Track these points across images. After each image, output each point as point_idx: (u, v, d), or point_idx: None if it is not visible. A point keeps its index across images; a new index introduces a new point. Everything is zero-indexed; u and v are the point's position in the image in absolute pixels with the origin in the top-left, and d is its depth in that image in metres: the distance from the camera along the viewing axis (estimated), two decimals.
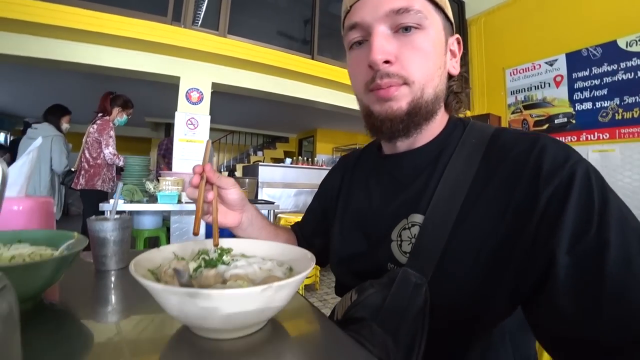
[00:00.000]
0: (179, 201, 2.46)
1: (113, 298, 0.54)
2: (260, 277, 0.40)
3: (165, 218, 3.01)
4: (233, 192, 0.60)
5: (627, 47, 2.33)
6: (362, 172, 0.68)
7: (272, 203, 2.88)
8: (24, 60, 2.74)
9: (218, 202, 0.59)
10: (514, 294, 0.42)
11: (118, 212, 0.67)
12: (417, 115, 0.52)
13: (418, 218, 0.50)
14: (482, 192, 0.47)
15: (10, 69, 3.97)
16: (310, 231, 0.78)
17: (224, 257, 0.46)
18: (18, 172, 0.63)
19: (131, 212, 2.57)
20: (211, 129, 3.39)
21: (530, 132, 0.50)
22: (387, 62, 0.49)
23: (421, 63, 0.50)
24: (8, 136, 7.12)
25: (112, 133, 2.78)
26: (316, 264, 0.77)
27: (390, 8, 0.49)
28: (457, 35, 0.59)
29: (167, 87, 3.42)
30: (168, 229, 2.81)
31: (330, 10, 4.06)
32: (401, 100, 0.51)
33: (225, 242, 0.51)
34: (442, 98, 0.56)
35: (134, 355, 0.35)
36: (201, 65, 3.30)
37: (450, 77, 0.58)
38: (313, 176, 4.06)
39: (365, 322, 0.45)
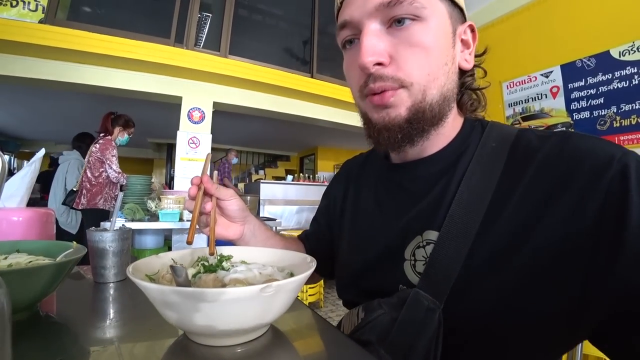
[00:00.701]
0: (181, 219, 2.46)
1: (111, 310, 0.53)
2: (261, 282, 0.40)
3: (167, 237, 2.99)
4: (233, 203, 0.57)
5: (620, 56, 2.37)
6: (369, 182, 0.62)
7: (274, 220, 2.87)
8: (33, 82, 2.83)
9: (218, 214, 0.58)
10: (575, 328, 0.37)
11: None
12: (421, 121, 0.45)
13: (433, 235, 0.45)
14: (507, 203, 0.41)
15: (16, 91, 4.05)
16: (315, 242, 0.74)
17: (224, 264, 0.45)
18: (19, 183, 0.63)
19: (133, 231, 2.56)
20: (212, 149, 3.42)
21: (557, 131, 0.44)
22: (379, 64, 0.43)
23: (420, 61, 0.43)
24: (12, 159, 7.19)
25: (114, 152, 2.80)
26: (323, 275, 0.75)
27: (380, 1, 0.42)
28: (470, 22, 0.50)
29: (170, 108, 3.47)
30: (170, 249, 2.79)
31: (328, 31, 4.15)
32: (399, 106, 0.44)
33: (225, 250, 0.51)
34: (452, 98, 0.48)
35: None
36: (203, 85, 3.36)
37: (463, 72, 0.51)
38: (314, 193, 4.06)
39: (372, 346, 0.41)
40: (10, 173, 6.23)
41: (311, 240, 0.74)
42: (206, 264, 0.44)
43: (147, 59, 2.85)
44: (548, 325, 0.37)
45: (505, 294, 0.39)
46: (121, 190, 2.90)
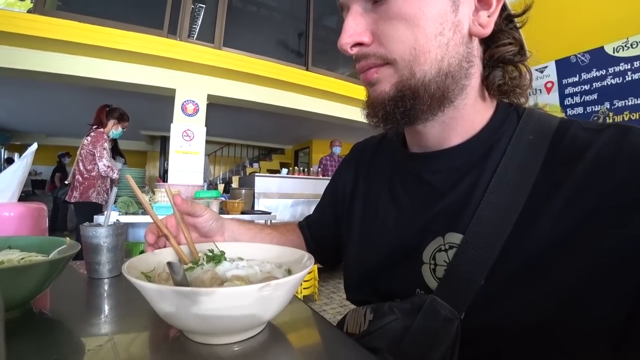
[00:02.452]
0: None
1: (106, 306, 0.53)
2: (261, 279, 0.39)
3: None
4: (206, 217, 0.53)
5: (614, 52, 2.38)
6: (383, 170, 0.56)
7: (269, 213, 2.86)
8: (22, 73, 2.79)
9: (195, 235, 0.54)
10: (618, 350, 0.33)
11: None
12: (412, 100, 0.40)
13: (456, 238, 0.41)
14: (547, 207, 0.36)
15: (5, 83, 3.97)
16: (319, 231, 0.69)
17: (227, 255, 0.45)
18: (10, 178, 0.62)
19: (126, 225, 2.56)
20: (206, 142, 3.40)
21: (609, 123, 0.39)
22: (360, 44, 0.41)
23: (402, 34, 0.39)
24: (3, 151, 7.08)
25: (105, 145, 2.76)
26: (326, 265, 0.71)
27: None
28: None
29: (163, 100, 3.44)
30: None
31: (324, 23, 4.13)
32: (384, 82, 0.42)
33: (222, 246, 0.50)
34: (462, 74, 0.42)
35: None
36: (197, 78, 3.33)
37: (491, 41, 0.43)
38: (309, 186, 4.03)
39: (382, 354, 0.38)
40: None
41: (314, 227, 0.70)
42: (210, 254, 0.44)
43: (139, 51, 2.81)
44: (584, 347, 0.34)
45: (535, 310, 0.35)
46: (113, 184, 2.87)
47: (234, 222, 0.60)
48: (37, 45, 2.66)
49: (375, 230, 0.52)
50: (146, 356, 0.36)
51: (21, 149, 7.49)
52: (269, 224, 2.77)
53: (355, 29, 0.41)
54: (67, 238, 0.55)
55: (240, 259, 0.47)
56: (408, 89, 0.40)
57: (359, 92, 3.92)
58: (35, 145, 0.68)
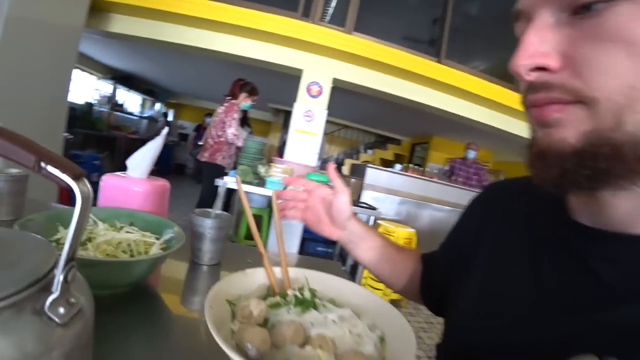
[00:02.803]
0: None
1: (201, 292, 0.57)
2: (347, 346, 0.33)
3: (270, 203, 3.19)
4: (345, 200, 0.58)
5: None
6: (524, 230, 0.41)
7: (374, 209, 2.77)
8: (178, 47, 3.29)
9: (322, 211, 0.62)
10: None
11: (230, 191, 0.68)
12: (610, 160, 0.27)
13: None
14: None
15: (168, 54, 4.68)
16: (433, 263, 0.57)
17: (317, 299, 0.40)
18: (144, 156, 0.68)
19: (231, 216, 2.82)
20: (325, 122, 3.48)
21: None
22: (541, 68, 0.29)
23: (617, 65, 0.26)
24: (162, 106, 8.56)
25: (235, 115, 3.03)
26: (429, 309, 0.59)
27: None
28: None
29: (290, 78, 3.61)
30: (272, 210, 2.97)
31: (464, 10, 3.71)
32: (568, 127, 0.29)
33: (314, 278, 0.45)
34: None
35: None
36: (324, 60, 3.38)
37: None
38: (421, 187, 3.76)
39: None
40: (166, 121, 7.57)
41: (432, 259, 0.58)
42: (299, 296, 0.39)
43: (274, 31, 2.99)
44: None
45: None
46: (239, 150, 3.17)
47: (359, 224, 0.61)
48: (191, 24, 3.07)
49: (500, 302, 0.39)
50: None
51: (175, 107, 8.96)
52: (372, 220, 2.72)
53: (539, 47, 0.29)
54: (176, 227, 0.57)
55: (333, 301, 0.40)
56: (606, 143, 0.27)
57: (494, 92, 3.48)
58: (166, 129, 0.74)
